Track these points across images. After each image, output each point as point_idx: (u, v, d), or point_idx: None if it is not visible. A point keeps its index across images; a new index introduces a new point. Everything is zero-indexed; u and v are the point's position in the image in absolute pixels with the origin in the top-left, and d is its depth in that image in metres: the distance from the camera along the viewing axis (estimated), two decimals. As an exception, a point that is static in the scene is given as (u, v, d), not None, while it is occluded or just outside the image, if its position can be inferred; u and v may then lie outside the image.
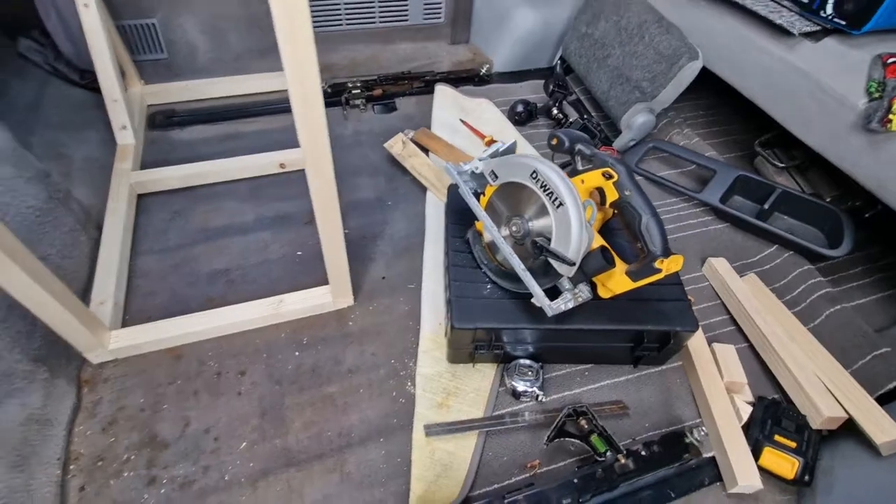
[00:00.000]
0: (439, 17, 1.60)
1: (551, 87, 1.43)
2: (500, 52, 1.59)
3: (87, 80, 1.23)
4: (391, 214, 1.17)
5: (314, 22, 1.46)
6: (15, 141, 0.85)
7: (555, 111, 1.38)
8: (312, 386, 0.87)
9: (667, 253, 0.71)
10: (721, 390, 0.84)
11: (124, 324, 0.91)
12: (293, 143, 1.19)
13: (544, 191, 0.72)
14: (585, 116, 1.41)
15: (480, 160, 0.85)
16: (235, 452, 0.78)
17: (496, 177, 0.80)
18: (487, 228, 0.81)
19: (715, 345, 0.91)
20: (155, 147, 1.25)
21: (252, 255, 1.06)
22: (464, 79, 1.55)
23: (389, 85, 1.48)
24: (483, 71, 1.56)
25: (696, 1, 1.18)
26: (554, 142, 0.80)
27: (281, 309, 0.93)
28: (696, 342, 0.91)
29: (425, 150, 1.29)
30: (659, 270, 0.70)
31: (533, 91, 1.52)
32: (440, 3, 1.57)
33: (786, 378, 0.86)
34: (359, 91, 1.43)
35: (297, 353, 0.91)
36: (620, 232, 0.88)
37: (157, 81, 1.35)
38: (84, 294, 0.91)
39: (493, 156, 0.88)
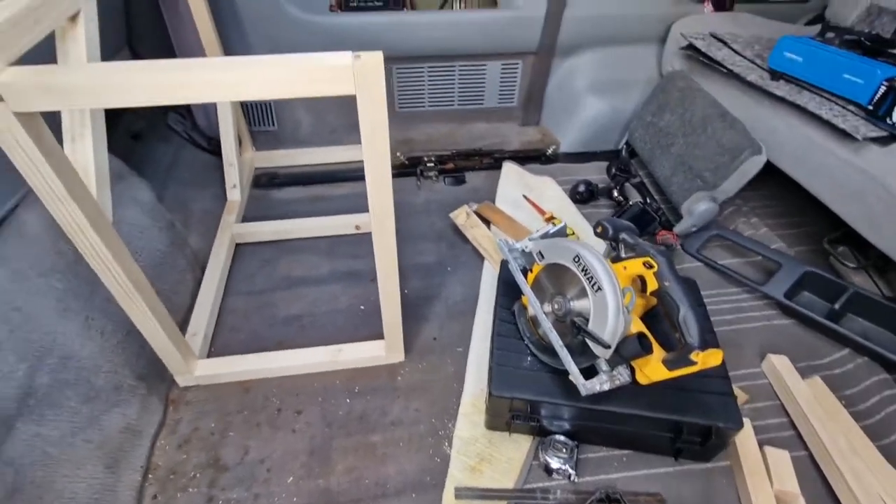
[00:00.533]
0: (512, 102, 1.75)
1: (613, 169, 1.49)
2: (568, 134, 1.70)
3: (213, 147, 1.50)
4: (449, 279, 1.26)
5: (400, 104, 1.68)
6: (154, 196, 1.07)
7: (615, 193, 1.44)
8: (358, 432, 0.94)
9: (704, 346, 0.72)
10: (770, 499, 0.80)
11: (209, 354, 1.06)
12: (364, 210, 1.35)
13: (585, 275, 0.77)
14: (648, 200, 1.45)
15: (530, 240, 0.93)
16: (283, 485, 0.86)
17: (542, 257, 0.87)
18: (531, 303, 0.87)
19: (767, 448, 0.87)
20: (256, 203, 1.46)
21: (322, 305, 1.18)
22: (531, 157, 1.66)
23: (461, 160, 1.63)
24: (549, 151, 1.67)
25: (759, 99, 1.22)
26: (599, 229, 0.86)
27: (339, 357, 1.03)
28: (746, 442, 0.87)
29: (488, 223, 1.39)
30: (694, 363, 0.71)
31: (596, 172, 1.59)
32: (514, 90, 1.72)
33: (846, 496, 0.79)
34: (433, 164, 1.58)
35: (348, 400, 0.99)
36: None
37: (265, 149, 1.60)
38: (183, 325, 1.07)
39: (544, 237, 0.95)
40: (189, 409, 0.96)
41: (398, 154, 1.62)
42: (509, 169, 1.58)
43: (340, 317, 1.16)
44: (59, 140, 0.67)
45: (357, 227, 1.36)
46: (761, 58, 1.27)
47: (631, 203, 1.39)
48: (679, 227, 1.32)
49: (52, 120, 0.64)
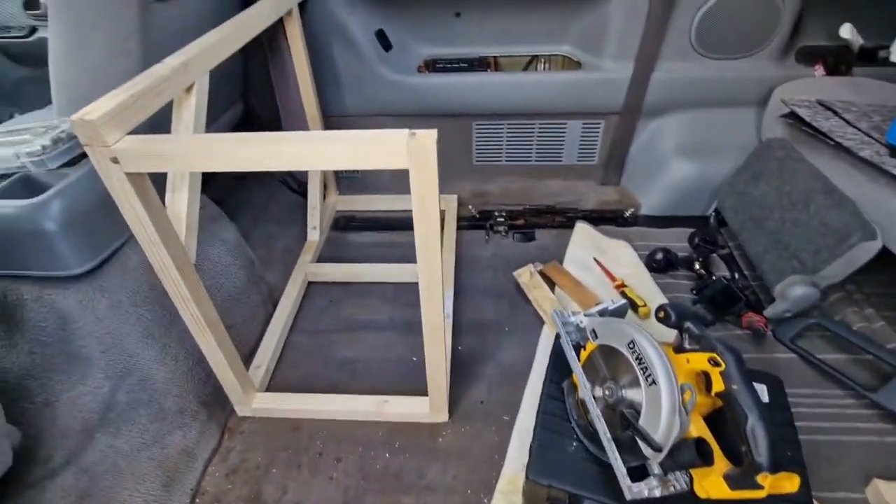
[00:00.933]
0: (592, 160, 1.72)
1: (697, 239, 1.39)
2: (650, 196, 1.62)
3: (302, 189, 1.64)
4: (505, 340, 1.23)
5: (478, 157, 1.72)
6: (238, 236, 1.18)
7: (697, 265, 1.32)
8: (392, 491, 0.93)
9: (776, 467, 0.62)
10: None
11: (268, 388, 1.12)
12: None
13: (639, 363, 0.71)
14: (735, 276, 1.32)
15: (586, 315, 0.88)
16: (312, 534, 0.87)
17: (596, 336, 0.82)
18: (582, 384, 0.82)
19: None
20: (333, 245, 1.56)
21: (378, 351, 1.21)
22: (607, 219, 1.60)
23: (532, 216, 1.62)
24: (628, 213, 1.59)
25: (874, 177, 1.07)
26: (661, 314, 0.79)
27: (384, 409, 1.04)
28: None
29: (553, 284, 1.35)
30: (761, 487, 0.61)
31: (677, 239, 1.48)
32: (595, 148, 1.69)
33: None
34: (503, 219, 1.59)
35: (387, 455, 0.99)
36: (737, 422, 0.79)
37: (348, 193, 1.72)
38: (249, 356, 1.15)
39: (602, 314, 0.90)
40: (242, 439, 1.02)
41: (470, 207, 1.64)
42: (582, 229, 1.53)
43: (393, 366, 1.17)
44: (161, 191, 0.78)
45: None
46: (879, 130, 1.13)
47: (714, 278, 1.27)
48: (770, 311, 1.18)
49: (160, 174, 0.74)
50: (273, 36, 1.33)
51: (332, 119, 1.66)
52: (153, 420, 0.90)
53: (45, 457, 0.79)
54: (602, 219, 1.59)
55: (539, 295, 1.30)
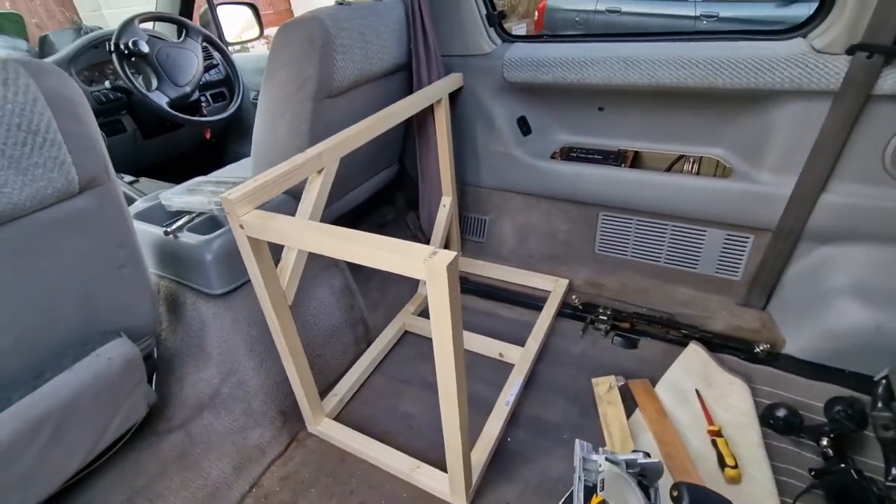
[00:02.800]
0: (735, 275, 1.50)
1: (838, 408, 1.10)
2: (801, 335, 1.34)
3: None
4: (560, 449, 1.17)
5: (601, 246, 1.67)
6: (345, 282, 1.40)
7: (825, 441, 1.05)
8: (393, 555, 0.99)
9: None
10: None
11: (338, 416, 1.30)
12: (521, 340, 1.40)
13: (623, 541, 0.65)
14: (893, 473, 1.01)
15: (608, 459, 0.82)
16: (314, 562, 0.99)
17: (602, 488, 0.76)
18: (577, 534, 0.76)
19: None
20: (439, 301, 1.70)
21: (436, 415, 1.28)
22: (732, 347, 1.38)
23: (642, 321, 1.49)
24: (761, 348, 1.35)
25: None
26: (674, 494, 0.69)
27: (414, 473, 1.11)
28: None
29: (634, 405, 1.23)
30: None
31: (815, 397, 1.19)
32: (739, 263, 1.48)
33: None
34: (606, 317, 1.51)
35: (402, 520, 1.05)
36: None
37: (469, 255, 1.85)
38: (333, 383, 1.35)
39: (629, 465, 0.82)
40: (303, 452, 1.21)
41: (573, 296, 1.60)
42: (694, 352, 1.36)
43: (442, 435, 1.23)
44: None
45: (500, 355, 1.43)
46: None
47: (843, 465, 1.00)
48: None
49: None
50: (422, 116, 1.55)
51: (468, 188, 1.83)
52: (243, 414, 1.15)
53: (169, 417, 1.10)
54: (726, 346, 1.38)
55: (611, 413, 1.20)
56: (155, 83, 1.68)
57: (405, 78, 1.54)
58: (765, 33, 1.27)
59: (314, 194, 1.06)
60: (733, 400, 1.22)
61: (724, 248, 1.48)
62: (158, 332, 1.15)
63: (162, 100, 1.66)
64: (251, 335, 1.14)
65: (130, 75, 1.57)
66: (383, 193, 1.97)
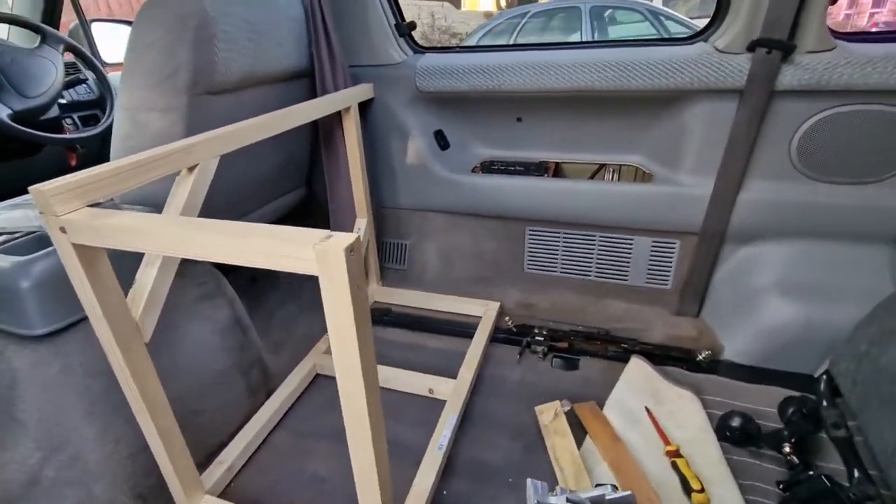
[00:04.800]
0: (665, 284, 1.46)
1: (791, 409, 1.03)
2: (736, 338, 1.29)
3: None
4: (505, 496, 0.97)
5: (530, 264, 1.56)
6: (238, 317, 1.15)
7: (787, 447, 0.96)
8: None
9: None
10: None
11: (224, 490, 1.00)
12: (453, 373, 1.21)
13: None
14: (855, 474, 0.93)
15: (569, 500, 0.64)
16: None
17: (569, 540, 0.57)
18: None
19: None
20: (356, 337, 1.47)
21: (350, 471, 1.03)
22: (674, 358, 1.29)
23: (580, 340, 1.38)
24: (703, 355, 1.28)
25: None
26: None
27: (325, 555, 0.84)
28: None
29: (584, 431, 1.08)
30: None
31: (766, 402, 1.13)
32: (668, 271, 1.44)
33: None
34: (543, 338, 1.37)
35: None
36: None
37: (391, 285, 1.66)
38: (219, 449, 1.05)
39: (594, 501, 0.65)
40: (172, 548, 0.90)
41: (506, 319, 1.46)
42: (638, 366, 1.25)
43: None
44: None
45: (430, 391, 1.22)
46: None
47: (812, 473, 0.91)
48: (904, 548, 0.78)
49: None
50: (329, 128, 1.39)
51: (386, 210, 1.66)
52: (80, 503, 0.83)
53: (-45, 523, 0.76)
54: (668, 357, 1.29)
55: (559, 445, 1.04)
56: (-10, 92, 1.36)
57: (309, 86, 1.38)
58: (672, 40, 1.30)
59: (183, 197, 0.83)
60: (686, 415, 1.11)
61: (652, 255, 1.43)
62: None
63: (1, 112, 1.34)
64: (91, 390, 0.84)
65: (-50, 79, 1.25)
66: (288, 221, 1.74)
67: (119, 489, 0.87)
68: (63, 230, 0.65)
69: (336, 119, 1.37)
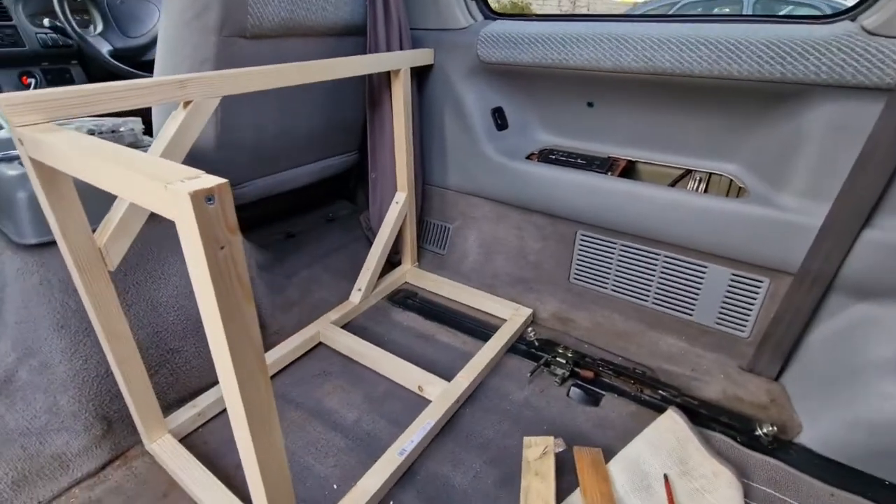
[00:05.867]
0: (741, 330, 1.15)
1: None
2: (823, 421, 0.97)
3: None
4: (455, 527, 0.83)
5: (576, 275, 1.35)
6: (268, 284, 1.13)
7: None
8: None
9: None
10: None
11: (189, 434, 1.00)
12: (453, 372, 1.09)
13: None
14: None
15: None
16: None
17: None
18: None
19: None
20: (375, 314, 1.40)
21: (309, 456, 0.97)
22: (725, 424, 1.02)
23: (611, 373, 1.15)
24: (766, 430, 0.98)
25: None
26: None
27: (239, 532, 0.79)
28: None
29: (575, 480, 0.89)
30: None
31: (842, 518, 0.82)
32: (748, 314, 1.13)
33: None
34: (565, 360, 1.17)
35: None
36: None
37: (427, 268, 1.56)
38: (196, 392, 1.06)
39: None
40: (123, 475, 0.91)
41: (529, 330, 1.28)
42: (672, 422, 1.00)
43: (312, 483, 0.91)
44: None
45: (419, 389, 1.11)
46: None
47: None
48: None
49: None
50: (378, 92, 1.31)
51: (433, 189, 1.56)
52: (46, 411, 0.87)
53: (-58, 399, 0.83)
54: (718, 420, 1.02)
55: (534, 488, 0.86)
56: (99, 28, 1.51)
57: (361, 46, 1.31)
58: (802, 18, 0.99)
59: (169, 134, 0.81)
60: (715, 498, 0.86)
61: (729, 291, 1.14)
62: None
63: (103, 46, 1.49)
64: (65, 306, 0.87)
65: (67, 12, 1.40)
66: (338, 185, 1.72)
67: (83, 406, 0.90)
68: (21, 142, 0.65)
69: (385, 82, 1.29)
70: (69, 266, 0.75)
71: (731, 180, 1.15)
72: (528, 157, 1.36)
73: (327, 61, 1.06)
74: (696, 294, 1.19)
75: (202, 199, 0.42)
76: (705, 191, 1.21)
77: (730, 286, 1.14)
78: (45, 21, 1.52)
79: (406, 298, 1.46)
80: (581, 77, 1.19)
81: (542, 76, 1.26)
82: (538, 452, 0.93)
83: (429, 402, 1.06)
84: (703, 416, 1.03)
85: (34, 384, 0.86)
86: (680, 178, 1.26)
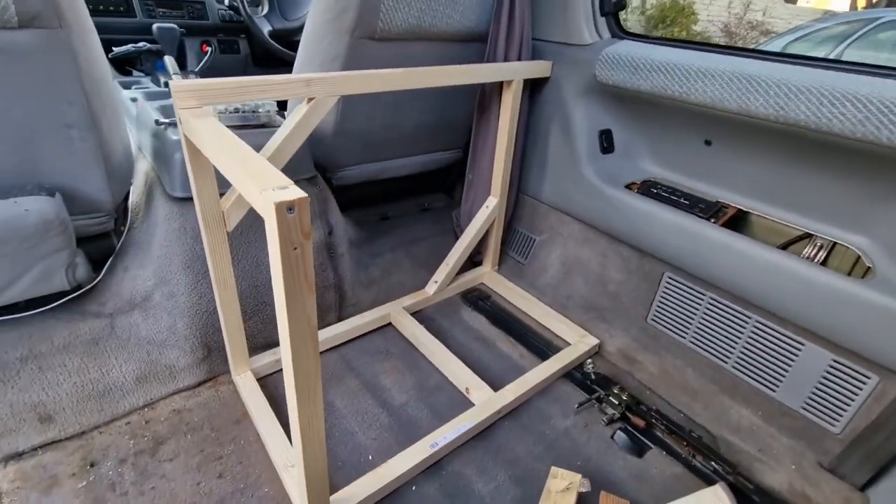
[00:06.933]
0: (831, 423, 1.02)
1: None
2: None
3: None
4: (464, 529, 0.89)
5: (655, 315, 1.29)
6: (329, 241, 1.26)
7: None
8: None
9: None
10: None
11: (267, 376, 1.17)
12: (502, 382, 1.12)
13: None
14: None
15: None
16: (132, 510, 0.86)
17: None
18: None
19: None
20: (445, 308, 1.47)
21: (354, 424, 1.07)
22: (781, 519, 0.92)
23: (663, 427, 1.09)
24: (828, 542, 0.88)
25: None
26: None
27: (284, 473, 0.92)
28: None
29: (588, 523, 0.89)
30: None
31: None
32: (844, 408, 1.00)
33: None
34: (619, 402, 1.14)
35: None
36: None
37: (505, 274, 1.59)
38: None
39: None
40: (211, 395, 1.09)
41: (589, 361, 1.25)
42: (717, 498, 0.93)
43: (351, 450, 1.02)
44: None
45: (466, 391, 1.16)
46: None
47: None
48: None
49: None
50: (489, 98, 1.35)
51: (527, 198, 1.57)
52: (168, 329, 1.09)
53: (102, 302, 1.07)
54: (773, 515, 0.93)
55: (548, 519, 0.88)
56: (265, 10, 1.74)
57: (482, 52, 1.35)
58: None
59: (293, 123, 0.93)
60: None
61: (825, 378, 1.01)
62: (133, 218, 1.14)
63: (264, 26, 1.71)
64: (193, 251, 1.06)
65: (242, -7, 1.63)
66: (437, 178, 1.80)
67: (193, 332, 1.10)
68: (181, 120, 0.81)
69: (498, 89, 1.32)
70: (199, 221, 0.91)
71: (859, 256, 1.00)
72: (629, 186, 1.31)
73: (444, 68, 1.12)
74: (786, 371, 1.07)
75: (284, 209, 0.51)
76: (824, 261, 1.07)
77: (827, 373, 1.01)
78: (226, 0, 1.79)
79: (478, 300, 1.51)
80: (700, 113, 1.11)
81: (660, 105, 1.19)
82: (562, 485, 0.93)
83: (472, 405, 1.11)
84: (755, 503, 0.94)
85: (163, 306, 1.08)
86: (796, 241, 1.12)
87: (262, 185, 0.54)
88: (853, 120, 0.86)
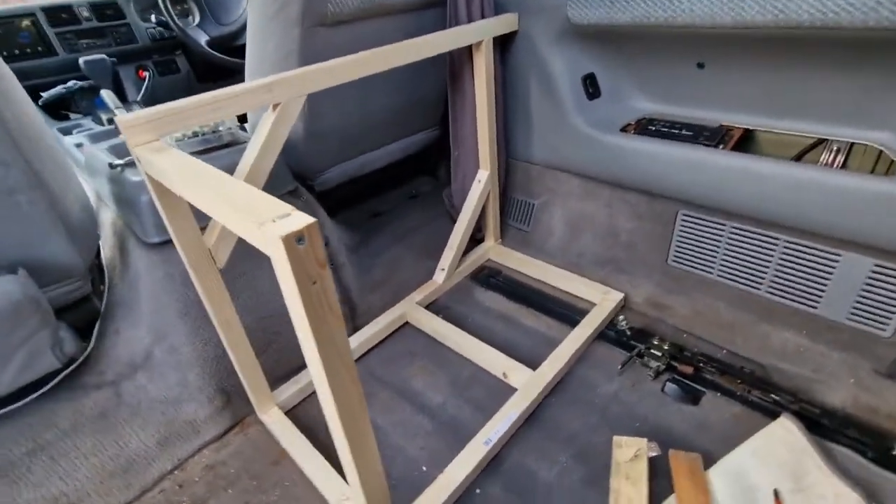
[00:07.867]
0: (881, 328, 0.99)
1: None
2: None
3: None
4: (539, 522, 0.85)
5: (676, 257, 1.24)
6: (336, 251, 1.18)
7: None
8: None
9: None
10: None
11: (294, 407, 1.10)
12: (537, 361, 1.07)
13: None
14: None
15: None
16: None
17: None
18: None
19: None
20: (456, 293, 1.41)
21: (396, 437, 1.02)
22: (853, 439, 0.90)
23: (712, 370, 1.06)
24: (906, 450, 0.85)
25: None
26: None
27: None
28: None
29: (670, 485, 0.85)
30: None
31: None
32: (892, 311, 0.97)
33: None
34: (661, 353, 1.10)
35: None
36: None
37: (510, 245, 1.52)
38: (298, 369, 1.15)
39: None
40: (241, 440, 1.03)
41: (620, 318, 1.21)
42: (786, 431, 0.91)
43: (397, 463, 0.97)
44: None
45: (504, 376, 1.11)
46: None
47: None
48: None
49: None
50: (459, 65, 1.25)
51: (517, 163, 1.49)
52: (178, 384, 1.00)
53: (100, 371, 0.99)
54: (844, 434, 0.91)
55: (625, 493, 0.84)
56: (197, 19, 1.60)
57: (441, 17, 1.25)
58: None
59: (263, 135, 0.84)
60: (835, 523, 0.77)
61: (868, 284, 0.98)
62: (110, 275, 1.04)
63: (200, 37, 1.57)
64: (186, 297, 0.98)
65: (168, 4, 1.49)
66: (420, 161, 1.71)
67: (207, 381, 1.02)
68: (139, 160, 0.71)
69: (467, 54, 1.22)
70: (186, 265, 0.82)
71: (881, 151, 0.95)
72: (624, 129, 1.24)
73: (407, 43, 1.02)
74: (825, 285, 1.03)
75: (293, 241, 0.43)
76: (843, 164, 1.02)
77: (870, 278, 0.97)
78: (153, 17, 1.63)
79: (489, 277, 1.45)
80: (691, 35, 1.03)
81: (644, 36, 1.11)
82: (629, 454, 0.89)
83: (514, 389, 1.06)
84: (824, 426, 0.92)
85: (167, 362, 0.99)
86: (810, 149, 1.07)
87: (258, 217, 0.45)
88: (864, 9, 0.79)
